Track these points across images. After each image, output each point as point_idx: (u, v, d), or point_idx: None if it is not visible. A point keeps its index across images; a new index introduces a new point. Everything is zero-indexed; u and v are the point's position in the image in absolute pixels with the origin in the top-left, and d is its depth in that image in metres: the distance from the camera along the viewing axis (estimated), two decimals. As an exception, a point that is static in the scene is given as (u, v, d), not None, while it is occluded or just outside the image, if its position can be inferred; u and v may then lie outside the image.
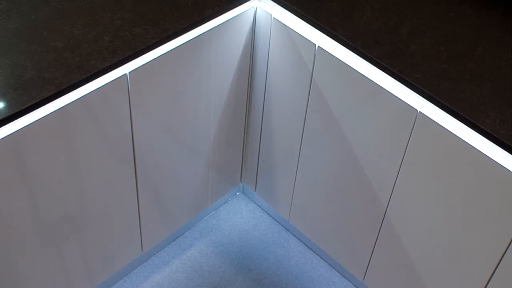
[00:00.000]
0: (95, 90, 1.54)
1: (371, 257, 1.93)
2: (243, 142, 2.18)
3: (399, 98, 1.59)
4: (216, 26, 1.75)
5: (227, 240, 2.27)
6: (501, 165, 1.46)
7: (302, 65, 1.78)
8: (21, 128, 1.45)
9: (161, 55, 1.64)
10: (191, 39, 1.70)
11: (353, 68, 1.65)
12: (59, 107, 1.49)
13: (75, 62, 1.53)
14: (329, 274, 2.21)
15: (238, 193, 2.42)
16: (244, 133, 2.15)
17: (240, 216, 2.35)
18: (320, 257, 2.25)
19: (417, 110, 1.57)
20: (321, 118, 1.83)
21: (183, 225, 2.24)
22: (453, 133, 1.52)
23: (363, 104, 1.69)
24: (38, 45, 1.55)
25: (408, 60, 1.61)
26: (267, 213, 2.36)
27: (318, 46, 1.71)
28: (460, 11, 1.77)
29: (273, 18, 1.79)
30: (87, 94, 1.53)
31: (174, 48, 1.67)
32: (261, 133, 2.09)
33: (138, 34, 1.61)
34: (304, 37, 1.74)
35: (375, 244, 1.89)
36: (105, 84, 1.56)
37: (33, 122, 1.46)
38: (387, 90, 1.61)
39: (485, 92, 1.54)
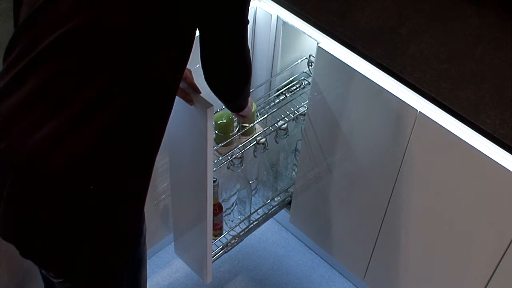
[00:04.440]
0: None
1: (371, 257, 1.93)
2: (243, 142, 2.17)
3: (399, 98, 1.59)
4: (216, 26, 1.74)
5: (227, 240, 2.27)
6: (501, 165, 1.46)
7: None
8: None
9: (161, 55, 1.64)
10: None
11: (353, 68, 1.65)
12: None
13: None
14: (329, 274, 2.21)
15: (238, 193, 2.42)
16: (244, 133, 2.15)
17: (240, 216, 2.35)
18: (320, 257, 2.25)
19: (417, 110, 1.57)
20: (320, 118, 1.83)
21: (183, 225, 2.23)
22: (453, 133, 1.52)
23: (363, 104, 1.69)
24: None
25: (408, 60, 1.61)
26: (267, 213, 2.36)
27: (318, 45, 1.70)
28: (460, 11, 1.77)
29: (273, 18, 1.79)
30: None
31: (174, 48, 1.66)
32: (261, 133, 2.08)
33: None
34: (304, 37, 1.74)
35: (375, 244, 1.89)
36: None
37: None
38: (387, 90, 1.60)
39: (485, 92, 1.54)
